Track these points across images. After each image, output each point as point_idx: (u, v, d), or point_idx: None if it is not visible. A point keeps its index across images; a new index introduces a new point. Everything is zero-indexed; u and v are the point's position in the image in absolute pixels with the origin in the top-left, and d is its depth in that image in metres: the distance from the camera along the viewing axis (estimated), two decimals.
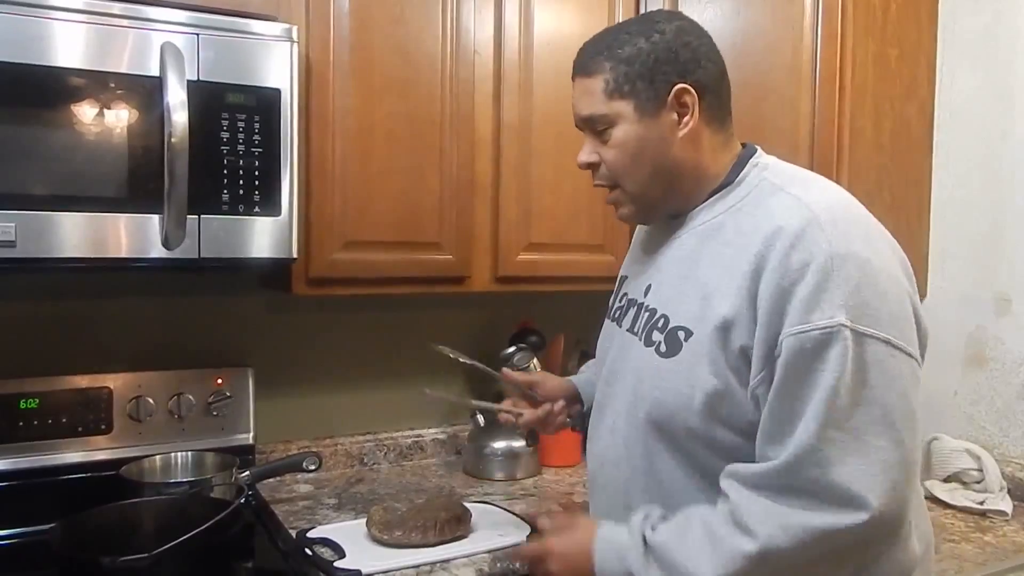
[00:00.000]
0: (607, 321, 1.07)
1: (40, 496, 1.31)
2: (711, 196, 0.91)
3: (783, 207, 0.84)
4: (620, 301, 1.03)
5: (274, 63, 1.22)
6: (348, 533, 1.25)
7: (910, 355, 0.79)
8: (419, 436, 1.74)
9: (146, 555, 0.99)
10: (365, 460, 1.69)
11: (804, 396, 0.76)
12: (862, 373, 0.76)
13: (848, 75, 1.67)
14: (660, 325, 0.89)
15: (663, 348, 0.88)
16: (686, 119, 0.88)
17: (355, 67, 1.36)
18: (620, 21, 1.43)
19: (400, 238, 1.42)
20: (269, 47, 1.21)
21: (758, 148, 0.95)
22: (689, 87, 0.87)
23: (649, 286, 0.95)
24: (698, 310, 0.85)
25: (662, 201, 0.93)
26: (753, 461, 0.82)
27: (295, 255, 1.26)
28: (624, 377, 0.94)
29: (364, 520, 1.27)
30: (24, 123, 1.08)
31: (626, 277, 1.05)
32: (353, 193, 1.37)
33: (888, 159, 1.76)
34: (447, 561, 1.18)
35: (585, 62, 0.91)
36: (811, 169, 0.96)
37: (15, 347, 1.39)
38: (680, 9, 1.56)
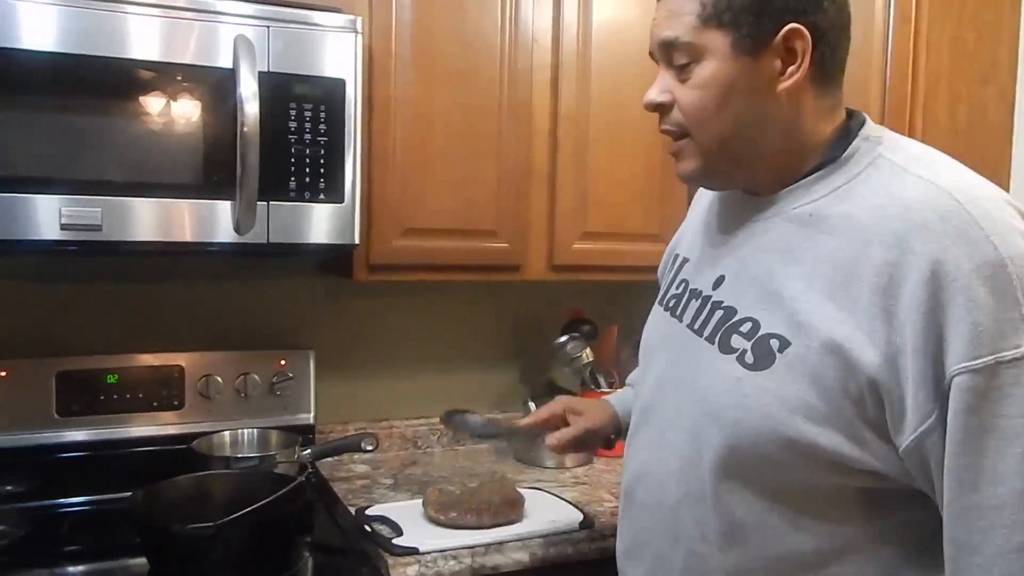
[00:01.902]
0: (657, 307, 0.92)
1: (115, 466, 1.39)
2: (811, 173, 0.75)
3: (914, 194, 0.67)
4: (676, 288, 0.88)
5: (339, 54, 1.25)
6: (405, 512, 1.29)
7: None
8: None
9: (211, 524, 1.04)
10: (419, 443, 1.72)
11: (999, 451, 0.61)
12: None
13: (922, 58, 1.60)
14: (745, 330, 0.74)
15: (750, 359, 0.72)
16: (791, 69, 0.72)
17: (416, 57, 1.38)
18: None
19: (457, 226, 1.44)
20: (334, 38, 1.25)
21: (867, 116, 0.78)
22: (803, 29, 0.71)
23: (721, 278, 0.80)
24: (797, 316, 0.70)
25: (736, 164, 0.77)
26: (827, 504, 0.71)
27: (357, 241, 1.30)
28: (684, 385, 0.79)
29: (420, 500, 1.30)
30: (106, 114, 1.14)
31: (687, 259, 0.88)
32: (412, 181, 1.40)
33: (964, 147, 1.67)
34: (501, 543, 1.20)
35: None
36: None
37: (99, 325, 1.47)
38: None
